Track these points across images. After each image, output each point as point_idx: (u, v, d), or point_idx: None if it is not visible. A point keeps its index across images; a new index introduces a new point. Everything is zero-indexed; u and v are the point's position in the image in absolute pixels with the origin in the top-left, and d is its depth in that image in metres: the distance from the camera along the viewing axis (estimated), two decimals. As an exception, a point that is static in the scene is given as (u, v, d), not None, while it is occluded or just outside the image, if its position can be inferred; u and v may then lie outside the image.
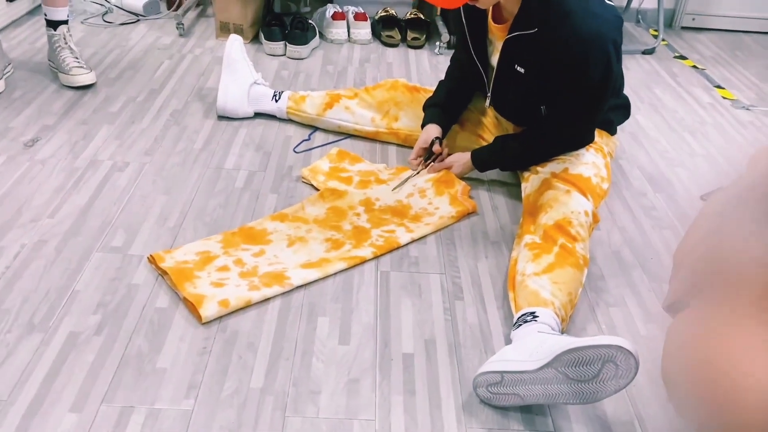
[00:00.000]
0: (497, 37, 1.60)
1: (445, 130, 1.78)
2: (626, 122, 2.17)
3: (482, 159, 1.71)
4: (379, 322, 1.31)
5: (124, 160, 1.77)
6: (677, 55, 2.86)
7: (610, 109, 1.66)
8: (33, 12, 2.69)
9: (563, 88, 1.52)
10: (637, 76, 2.61)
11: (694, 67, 2.75)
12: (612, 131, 1.75)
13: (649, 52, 2.85)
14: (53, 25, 2.14)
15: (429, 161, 1.74)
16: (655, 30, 3.10)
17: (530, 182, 1.62)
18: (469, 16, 1.63)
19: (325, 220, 1.56)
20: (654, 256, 1.57)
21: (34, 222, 1.50)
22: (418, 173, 1.72)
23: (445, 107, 1.79)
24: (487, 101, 1.73)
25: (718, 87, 2.56)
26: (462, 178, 1.73)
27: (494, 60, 1.64)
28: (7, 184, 1.62)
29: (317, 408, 1.12)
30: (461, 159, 1.72)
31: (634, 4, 3.12)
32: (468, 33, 1.65)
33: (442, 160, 1.75)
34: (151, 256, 1.40)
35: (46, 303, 1.29)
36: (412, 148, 1.81)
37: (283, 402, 1.13)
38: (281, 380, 1.17)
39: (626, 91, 2.44)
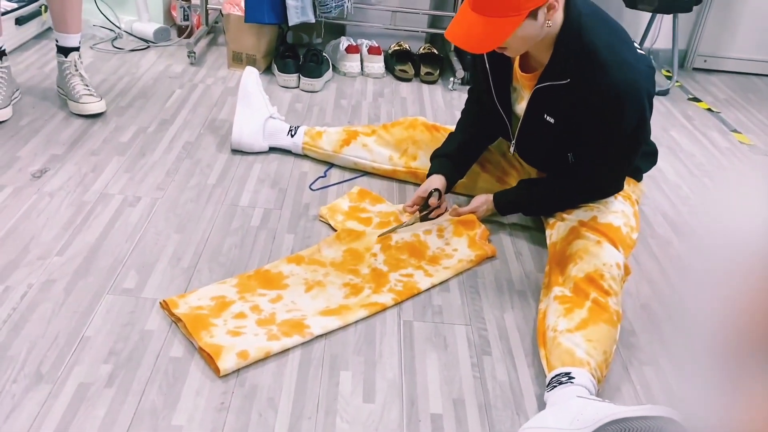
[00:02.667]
0: (524, 85, 1.56)
1: (451, 183, 1.71)
2: (647, 166, 2.13)
3: (505, 202, 1.67)
4: (404, 378, 1.25)
5: (136, 194, 1.71)
6: (691, 97, 2.85)
7: (639, 156, 1.62)
8: (41, 35, 2.65)
9: (595, 138, 1.48)
10: (654, 119, 2.57)
11: (709, 110, 2.72)
12: (639, 178, 1.71)
13: (663, 93, 2.83)
14: (64, 51, 2.09)
15: (424, 213, 1.66)
16: (668, 71, 3.09)
17: (556, 229, 1.57)
18: (494, 62, 1.58)
19: (342, 263, 1.50)
20: (684, 310, 1.52)
21: (41, 260, 1.44)
22: (409, 224, 1.63)
23: (455, 160, 1.72)
24: (512, 148, 1.69)
25: (735, 131, 2.54)
26: (482, 220, 1.67)
27: (519, 108, 1.60)
28: (13, 219, 1.56)
29: (343, 474, 1.06)
30: (483, 201, 1.67)
31: (647, 44, 3.11)
32: (492, 79, 1.61)
33: (439, 215, 1.68)
34: (164, 301, 1.34)
35: (54, 350, 1.22)
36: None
37: (307, 466, 1.06)
38: (304, 441, 1.10)
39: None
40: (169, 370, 1.21)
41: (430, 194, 1.65)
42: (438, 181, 1.68)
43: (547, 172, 1.69)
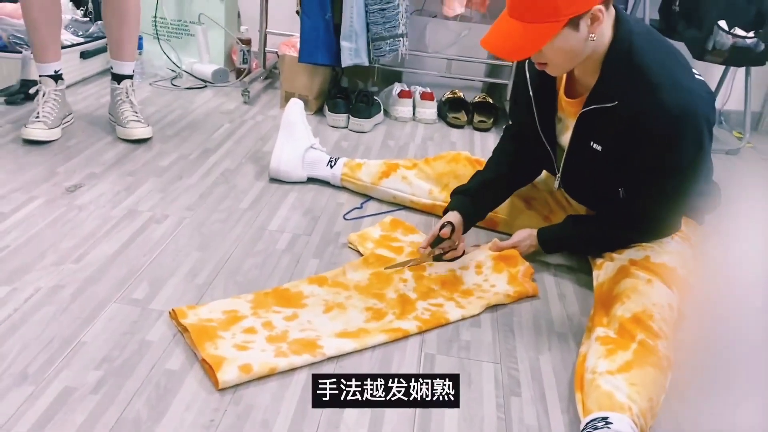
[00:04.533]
0: (569, 113, 1.45)
1: (469, 222, 1.56)
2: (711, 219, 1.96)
3: (550, 238, 1.53)
4: (417, 412, 1.11)
5: (164, 212, 1.66)
6: (766, 157, 2.66)
7: (698, 194, 1.47)
8: (105, 72, 2.73)
9: (648, 168, 1.35)
10: (721, 174, 2.38)
11: (786, 171, 2.53)
12: (700, 220, 1.55)
13: (733, 152, 2.65)
14: (118, 78, 2.12)
15: (438, 253, 1.51)
16: (739, 132, 2.91)
17: (604, 269, 1.42)
18: (538, 90, 1.48)
19: (367, 287, 1.40)
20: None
21: (55, 266, 1.39)
22: (417, 262, 1.49)
23: (475, 197, 1.58)
24: (557, 183, 1.56)
25: (815, 192, 2.33)
26: (525, 258, 1.54)
27: (564, 139, 1.48)
28: (38, 226, 1.53)
29: None
30: (526, 236, 1.54)
31: (717, 105, 2.95)
32: (535, 109, 1.49)
33: (455, 258, 1.53)
34: (173, 310, 1.25)
35: (46, 353, 1.14)
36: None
37: (293, 496, 0.93)
38: (295, 469, 0.97)
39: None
40: (161, 382, 1.11)
41: (442, 227, 1.50)
42: (453, 216, 1.53)
43: (596, 210, 1.55)
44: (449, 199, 1.74)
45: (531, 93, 1.49)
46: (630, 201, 1.42)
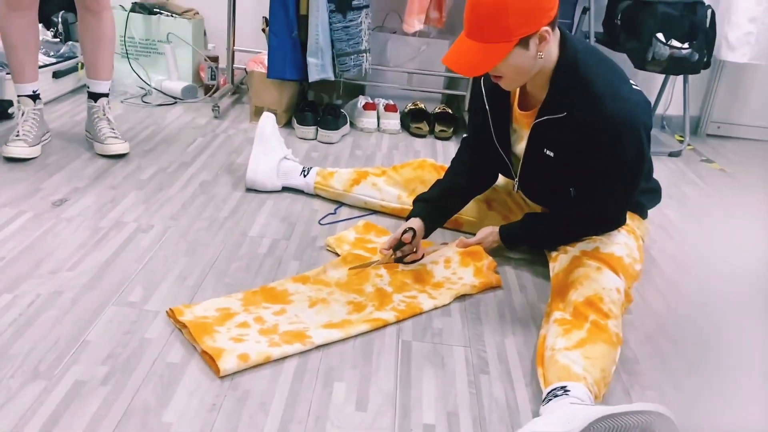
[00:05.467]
0: (523, 124, 1.60)
1: (429, 228, 1.68)
2: (657, 215, 2.14)
3: (511, 235, 1.68)
4: (399, 391, 1.24)
5: (149, 222, 1.76)
6: (704, 158, 2.87)
7: (641, 192, 1.64)
8: (76, 90, 2.80)
9: (595, 170, 1.51)
10: (664, 174, 2.60)
11: (722, 170, 2.74)
12: (643, 215, 1.71)
13: (675, 154, 2.86)
14: (94, 97, 2.21)
15: (399, 255, 1.63)
16: (681, 136, 3.12)
17: (559, 261, 1.57)
18: (494, 104, 1.63)
19: (347, 283, 1.52)
20: (691, 343, 1.49)
21: (52, 274, 1.48)
22: (379, 263, 1.59)
23: (435, 205, 1.70)
24: (515, 186, 1.72)
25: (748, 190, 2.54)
26: (489, 253, 1.68)
27: (519, 148, 1.63)
28: (30, 238, 1.62)
29: (330, 473, 1.04)
30: (488, 233, 1.69)
31: (659, 110, 3.17)
32: (492, 121, 1.64)
33: (414, 261, 1.64)
34: (170, 309, 1.36)
35: (54, 352, 1.24)
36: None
37: (293, 465, 1.05)
38: (293, 443, 1.09)
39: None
40: (165, 373, 1.21)
41: (404, 232, 1.60)
42: (415, 223, 1.64)
43: (551, 209, 1.71)
44: None
45: (487, 107, 1.64)
46: (580, 199, 1.58)
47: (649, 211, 1.75)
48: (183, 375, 1.21)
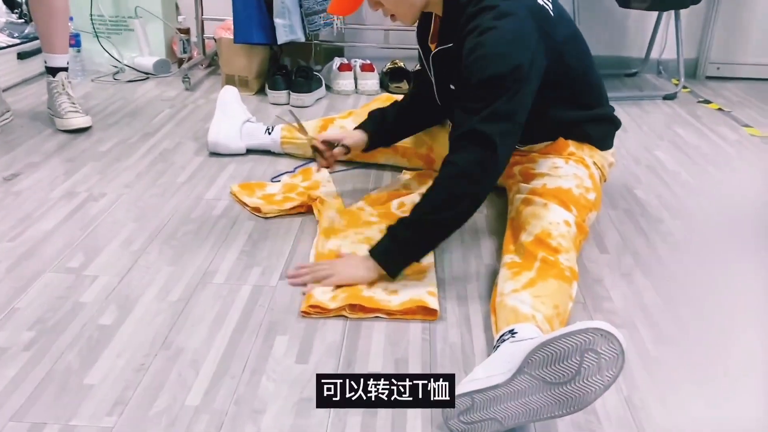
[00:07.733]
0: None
1: (373, 145, 1.67)
2: (644, 156, 2.03)
3: (385, 250, 1.30)
4: (345, 342, 1.15)
5: (102, 191, 1.69)
6: (701, 99, 2.73)
7: (586, 120, 1.51)
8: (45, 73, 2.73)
9: (465, 84, 1.30)
10: (657, 118, 2.47)
11: (720, 109, 2.60)
12: (599, 145, 1.54)
13: (670, 97, 2.72)
14: (52, 72, 2.14)
15: (320, 148, 1.63)
16: (677, 80, 2.98)
17: (513, 205, 1.46)
18: (420, 41, 1.57)
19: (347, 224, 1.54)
20: (670, 279, 1.39)
21: (-9, 245, 1.42)
22: (299, 130, 1.69)
23: (384, 116, 1.67)
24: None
25: (747, 126, 2.40)
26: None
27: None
28: (-26, 213, 1.55)
29: (258, 428, 0.96)
30: (352, 266, 1.32)
31: (654, 55, 3.03)
32: (421, 54, 1.58)
33: (324, 167, 1.66)
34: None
35: (-21, 320, 1.17)
36: (412, 165, 1.80)
37: (219, 421, 0.97)
38: (222, 399, 1.01)
39: (644, 130, 2.31)
40: (93, 335, 1.14)
41: (337, 145, 1.62)
42: (359, 135, 1.63)
43: None
44: None
45: (419, 45, 1.56)
46: (453, 129, 1.33)
47: (637, 152, 1.63)
48: (113, 336, 1.14)
